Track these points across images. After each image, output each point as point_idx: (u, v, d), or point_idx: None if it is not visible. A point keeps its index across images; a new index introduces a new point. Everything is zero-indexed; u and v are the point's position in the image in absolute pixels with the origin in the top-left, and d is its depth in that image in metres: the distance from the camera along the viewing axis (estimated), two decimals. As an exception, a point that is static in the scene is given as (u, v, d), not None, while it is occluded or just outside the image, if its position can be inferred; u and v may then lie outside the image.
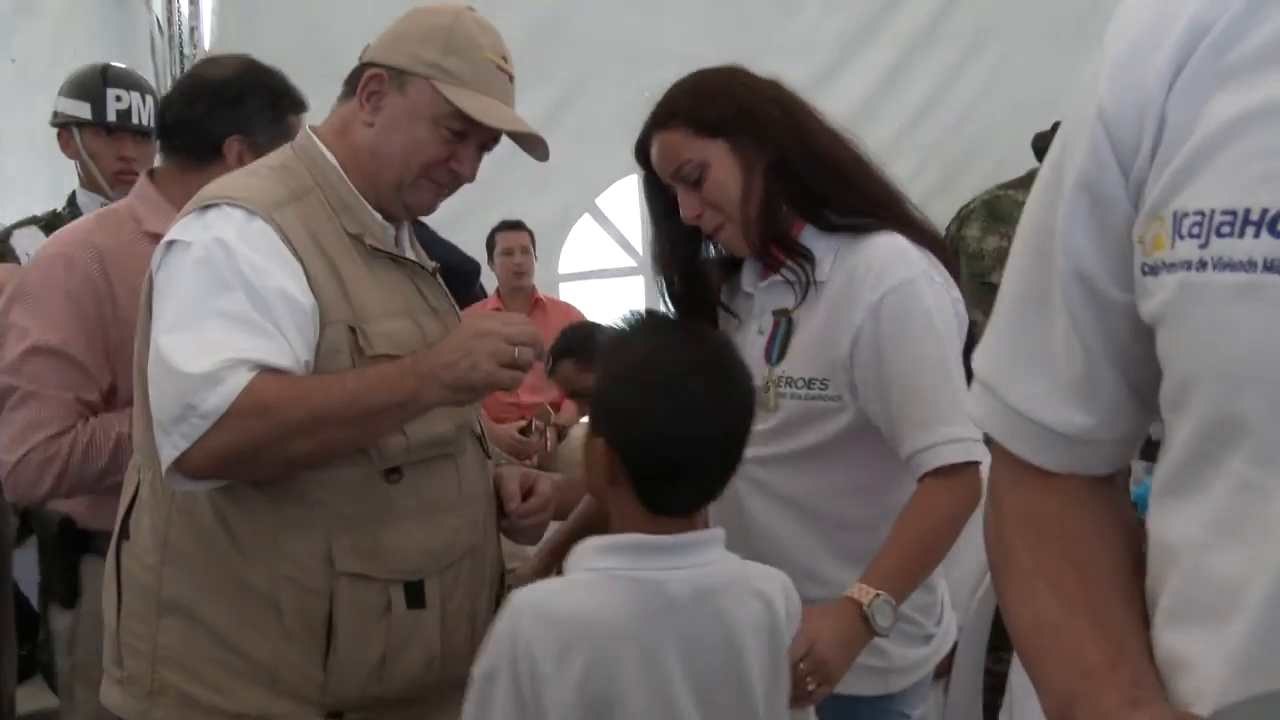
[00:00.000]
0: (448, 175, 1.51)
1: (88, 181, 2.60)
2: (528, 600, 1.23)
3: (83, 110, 2.54)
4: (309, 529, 1.40)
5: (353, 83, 1.52)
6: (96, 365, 1.79)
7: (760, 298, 1.60)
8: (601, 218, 4.61)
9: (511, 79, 1.53)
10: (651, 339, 1.34)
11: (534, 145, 1.51)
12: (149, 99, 2.59)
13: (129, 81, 2.60)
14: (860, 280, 1.48)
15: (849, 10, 4.50)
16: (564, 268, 4.63)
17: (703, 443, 1.25)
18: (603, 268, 4.72)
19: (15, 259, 2.54)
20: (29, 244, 2.55)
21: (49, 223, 2.59)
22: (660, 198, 1.62)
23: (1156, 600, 0.75)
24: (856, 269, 1.49)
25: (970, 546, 1.50)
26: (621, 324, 1.37)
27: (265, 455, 1.34)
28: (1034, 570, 0.80)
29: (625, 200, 4.58)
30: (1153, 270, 0.70)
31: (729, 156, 1.51)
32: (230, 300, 1.33)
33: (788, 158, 1.51)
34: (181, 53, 4.07)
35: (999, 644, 2.42)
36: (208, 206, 1.40)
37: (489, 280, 4.16)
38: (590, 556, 1.26)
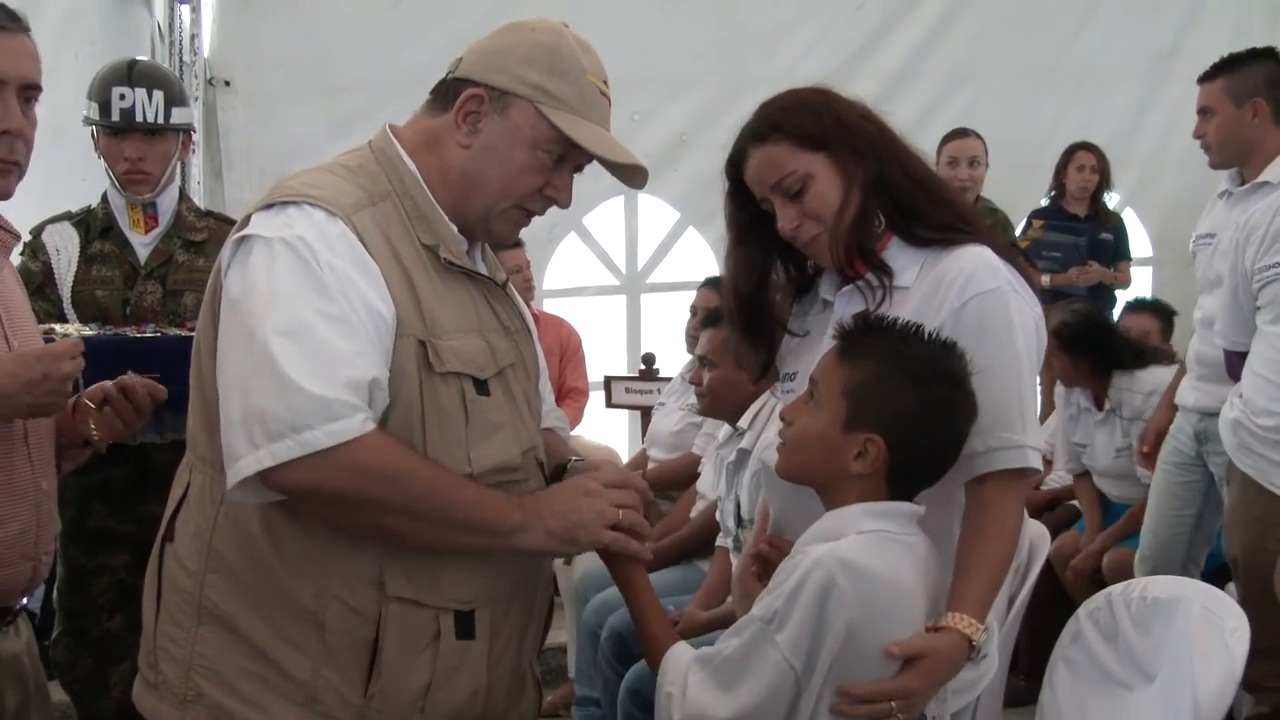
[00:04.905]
0: (541, 203, 1.48)
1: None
2: (838, 554, 1.32)
3: (93, 110, 2.53)
4: (362, 549, 1.35)
5: (443, 95, 1.46)
6: None
7: (839, 304, 1.61)
8: (587, 236, 4.71)
9: (610, 103, 1.48)
10: (927, 348, 1.42)
11: (633, 175, 1.46)
12: (157, 94, 2.52)
13: (133, 78, 2.51)
14: (948, 286, 1.51)
15: (829, 49, 4.69)
16: (548, 284, 4.71)
17: (960, 447, 1.44)
18: (586, 285, 4.81)
19: (46, 254, 2.54)
20: (59, 239, 2.56)
21: (82, 219, 2.58)
22: (741, 215, 1.64)
23: None
24: (945, 275, 1.52)
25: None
26: (873, 325, 1.44)
27: (357, 513, 1.31)
28: None
29: (611, 220, 4.69)
30: None
31: (831, 169, 1.54)
32: (329, 302, 1.29)
33: (885, 173, 1.55)
34: (181, 59, 4.15)
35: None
36: (286, 203, 1.35)
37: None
38: (861, 520, 1.38)
